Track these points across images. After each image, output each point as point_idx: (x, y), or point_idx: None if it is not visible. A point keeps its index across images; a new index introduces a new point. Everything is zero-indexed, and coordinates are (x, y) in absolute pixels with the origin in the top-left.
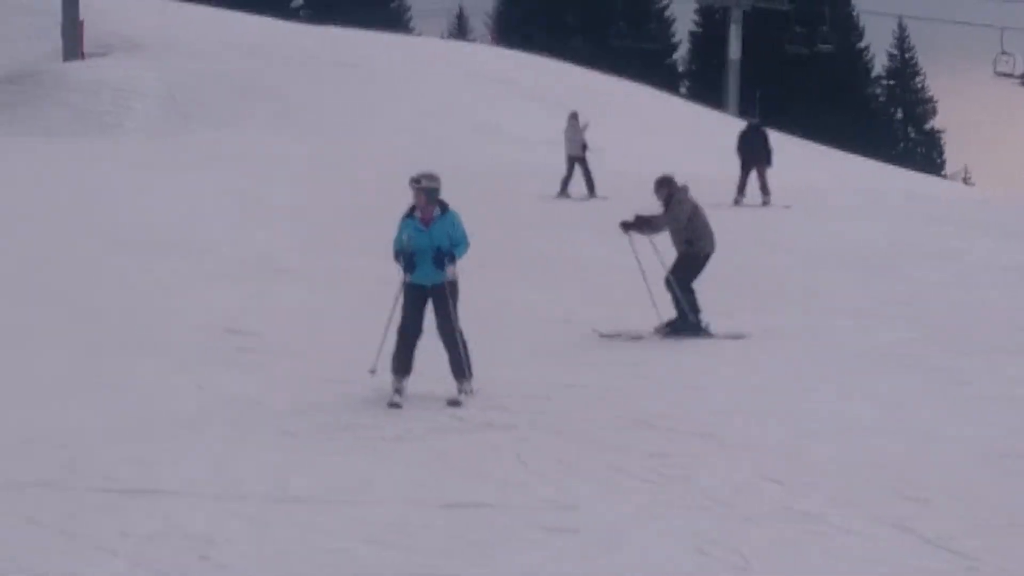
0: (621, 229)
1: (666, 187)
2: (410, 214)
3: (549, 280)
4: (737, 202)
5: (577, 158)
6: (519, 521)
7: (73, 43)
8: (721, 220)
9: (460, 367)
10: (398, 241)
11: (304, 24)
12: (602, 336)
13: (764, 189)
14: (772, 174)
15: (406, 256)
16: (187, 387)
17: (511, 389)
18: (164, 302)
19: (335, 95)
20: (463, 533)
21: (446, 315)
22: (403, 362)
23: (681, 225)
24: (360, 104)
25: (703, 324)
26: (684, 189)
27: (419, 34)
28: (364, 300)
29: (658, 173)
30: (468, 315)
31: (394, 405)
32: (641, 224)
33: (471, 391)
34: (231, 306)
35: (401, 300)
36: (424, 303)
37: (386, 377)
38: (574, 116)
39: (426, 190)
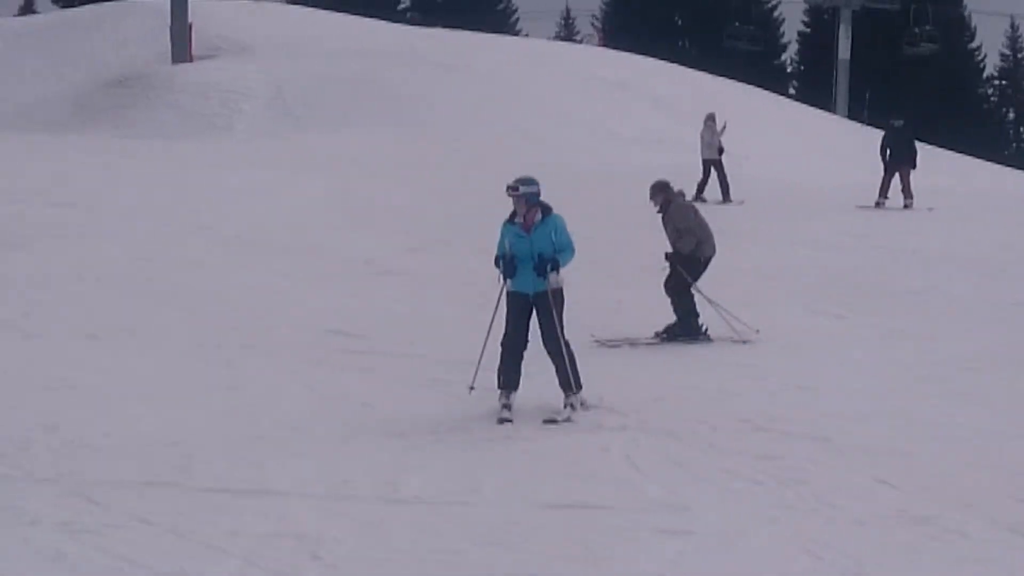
0: (666, 260)
1: (662, 193)
2: (511, 219)
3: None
4: (879, 204)
5: (713, 162)
6: (630, 522)
7: (182, 46)
8: (855, 222)
9: (567, 379)
10: (500, 246)
11: (411, 26)
12: (598, 342)
13: (907, 192)
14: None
15: (506, 261)
16: (296, 388)
17: (622, 390)
18: (272, 303)
19: (442, 97)
20: (574, 534)
21: (550, 325)
22: (510, 376)
23: (681, 230)
24: (467, 106)
25: (702, 328)
26: (680, 194)
27: (526, 35)
28: (471, 302)
29: (653, 178)
30: (582, 314)
31: (504, 421)
32: (676, 252)
33: (579, 405)
34: (338, 308)
35: (504, 310)
36: (528, 312)
37: (488, 389)
38: (711, 118)
39: (525, 196)
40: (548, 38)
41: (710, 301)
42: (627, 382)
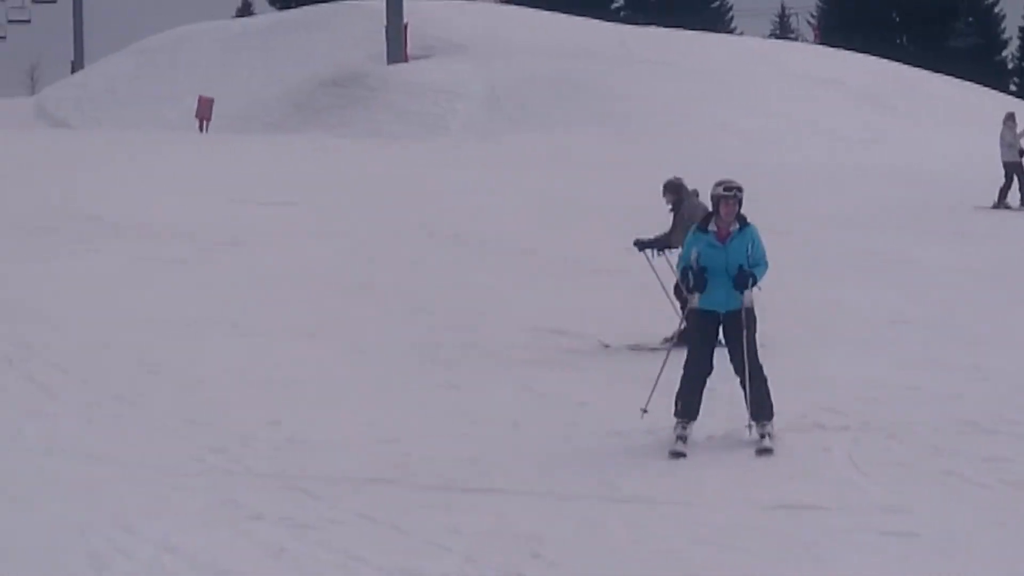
0: (635, 247)
1: (675, 192)
2: (703, 226)
3: (877, 280)
4: None
5: (1014, 164)
6: (852, 524)
7: (397, 46)
8: None
9: (762, 407)
10: (685, 257)
11: (625, 25)
12: (606, 347)
13: None
14: None
15: (696, 275)
16: (513, 387)
17: (841, 390)
18: (489, 303)
19: (656, 95)
20: (796, 535)
21: (744, 347)
22: (689, 405)
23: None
24: (680, 104)
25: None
26: (694, 193)
27: (741, 33)
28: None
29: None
30: (798, 313)
31: (677, 455)
32: (656, 241)
33: (772, 434)
34: (553, 306)
35: (686, 330)
36: (716, 334)
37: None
38: (1010, 117)
39: (740, 200)
40: (763, 36)
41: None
42: (848, 381)
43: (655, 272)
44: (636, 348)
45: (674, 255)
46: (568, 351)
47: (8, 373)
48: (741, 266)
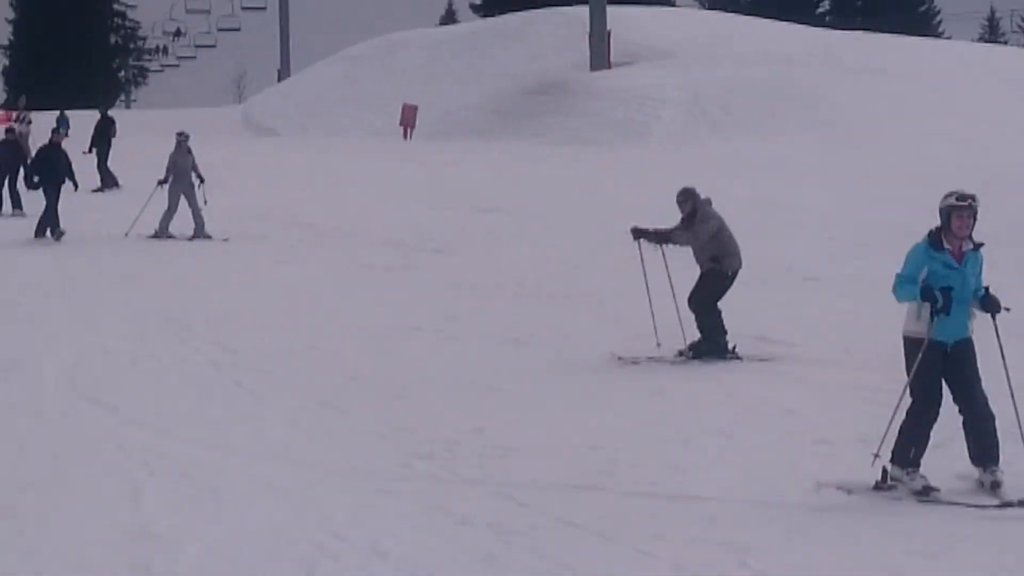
0: (631, 235)
1: (691, 201)
2: (936, 243)
3: None
4: None
5: None
6: None
7: (600, 53)
8: None
9: (992, 449)
10: (912, 276)
11: (830, 29)
12: (621, 360)
13: None
14: None
15: (944, 294)
16: (719, 395)
17: None
18: None
19: (863, 100)
20: (1017, 546)
21: (975, 381)
22: (921, 453)
23: (703, 242)
24: (886, 110)
25: (730, 346)
26: (708, 202)
27: (949, 37)
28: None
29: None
30: None
31: (929, 489)
32: (656, 234)
33: (1000, 481)
34: (762, 314)
35: (918, 366)
36: (942, 368)
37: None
38: None
39: (975, 212)
40: (971, 39)
41: (654, 311)
42: None
43: (643, 265)
44: (635, 360)
45: (677, 251)
46: (774, 359)
47: (216, 378)
48: (987, 288)
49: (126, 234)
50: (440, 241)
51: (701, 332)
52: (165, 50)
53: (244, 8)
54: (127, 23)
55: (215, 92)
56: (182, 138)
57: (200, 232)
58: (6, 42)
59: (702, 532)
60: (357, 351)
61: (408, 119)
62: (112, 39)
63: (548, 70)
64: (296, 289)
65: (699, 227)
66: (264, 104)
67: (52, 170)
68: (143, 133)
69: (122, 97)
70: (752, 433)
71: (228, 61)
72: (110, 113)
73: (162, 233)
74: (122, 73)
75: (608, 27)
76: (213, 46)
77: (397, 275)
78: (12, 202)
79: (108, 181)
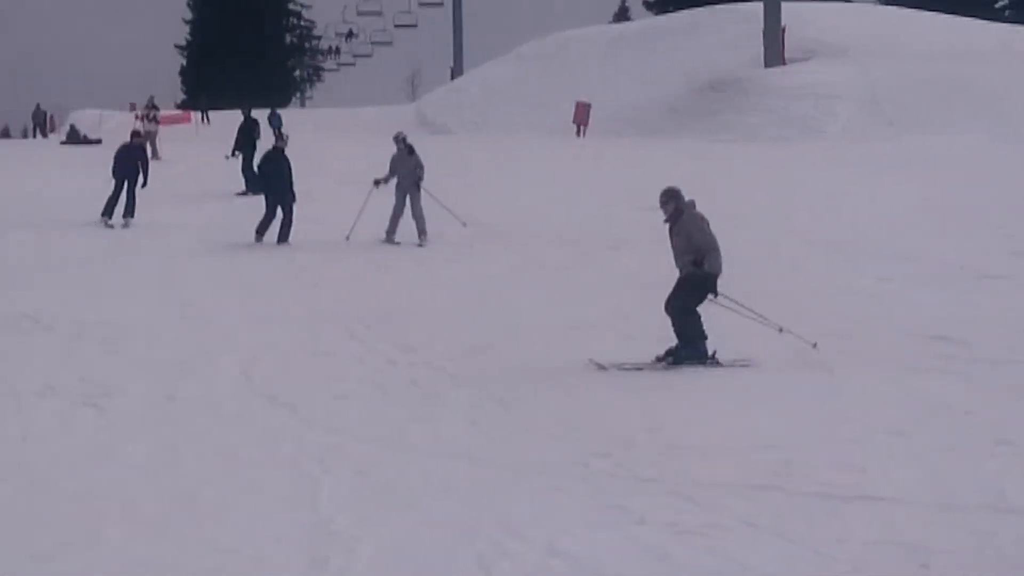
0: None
1: (673, 201)
2: None
3: None
4: None
5: None
6: None
7: (775, 49)
8: None
9: None
10: None
11: (1010, 24)
12: (600, 367)
13: None
14: None
15: None
16: (896, 394)
17: None
18: (867, 308)
19: None
20: None
21: None
22: None
23: (690, 244)
24: None
25: (710, 352)
26: (692, 203)
27: None
28: None
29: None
30: None
31: None
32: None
33: None
34: (936, 313)
35: None
36: None
37: None
38: None
39: None
40: None
41: (739, 305)
42: None
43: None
44: (622, 367)
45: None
46: (955, 359)
47: (392, 376)
48: None
49: (347, 237)
50: (615, 238)
51: (679, 338)
52: (338, 51)
53: (421, 4)
54: (302, 23)
55: (388, 91)
56: (400, 139)
57: (421, 233)
58: (183, 42)
59: (881, 534)
60: (531, 348)
61: (581, 117)
62: (287, 39)
63: (722, 67)
64: (470, 287)
65: (690, 227)
66: (437, 102)
67: (279, 178)
68: (320, 131)
69: (297, 95)
70: (929, 433)
71: (401, 60)
72: (253, 115)
73: (390, 235)
74: (297, 72)
75: (782, 23)
76: (390, 43)
77: (574, 273)
78: (126, 208)
79: (252, 185)
